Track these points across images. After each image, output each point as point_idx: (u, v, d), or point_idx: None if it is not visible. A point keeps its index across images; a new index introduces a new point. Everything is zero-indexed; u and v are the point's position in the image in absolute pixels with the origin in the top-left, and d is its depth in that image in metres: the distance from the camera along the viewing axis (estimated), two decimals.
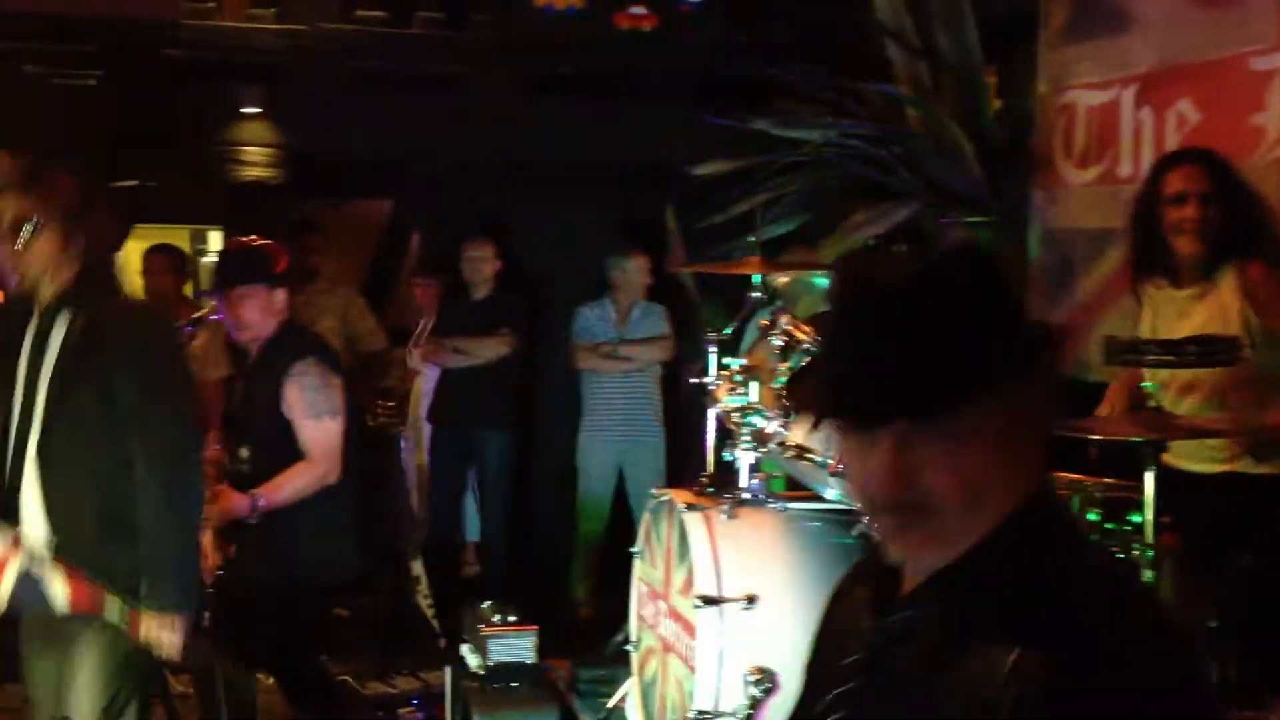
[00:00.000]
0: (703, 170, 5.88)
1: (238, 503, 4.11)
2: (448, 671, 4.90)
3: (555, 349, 6.98)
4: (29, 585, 3.07)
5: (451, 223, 7.20)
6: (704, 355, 4.60)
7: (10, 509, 3.16)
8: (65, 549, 3.16)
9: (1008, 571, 1.39)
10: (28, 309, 3.21)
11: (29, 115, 5.68)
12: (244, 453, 4.36)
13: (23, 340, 3.21)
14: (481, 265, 6.78)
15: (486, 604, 4.78)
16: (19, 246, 3.08)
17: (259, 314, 4.31)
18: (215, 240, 8.66)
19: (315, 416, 4.27)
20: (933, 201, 5.72)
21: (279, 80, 6.82)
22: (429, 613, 6.28)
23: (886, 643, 1.49)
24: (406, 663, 5.69)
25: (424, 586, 6.31)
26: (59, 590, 3.07)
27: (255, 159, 6.96)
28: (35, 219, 3.06)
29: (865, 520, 3.62)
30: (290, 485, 4.21)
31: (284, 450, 4.26)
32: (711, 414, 4.69)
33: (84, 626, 3.19)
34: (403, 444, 6.76)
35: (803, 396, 1.69)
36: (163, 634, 3.16)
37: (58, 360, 3.13)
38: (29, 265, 3.10)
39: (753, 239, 4.41)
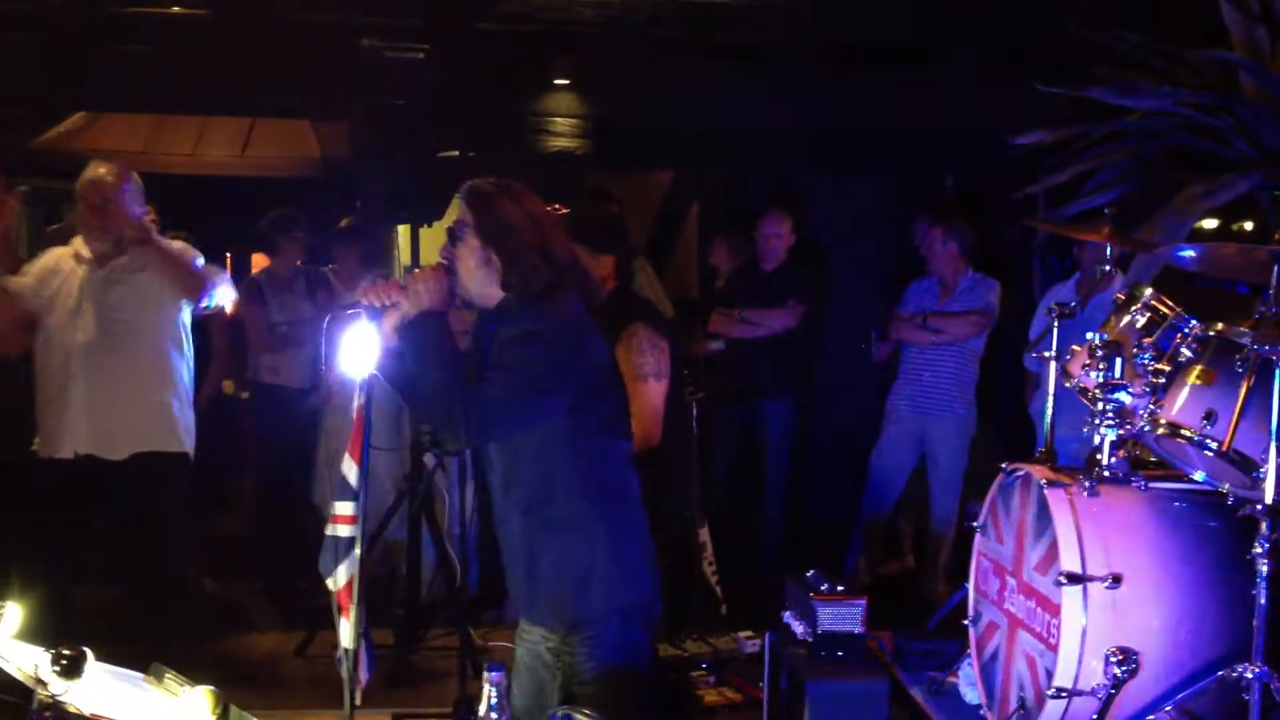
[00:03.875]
0: (1025, 139, 5.72)
1: None
2: (767, 637, 4.95)
3: (841, 319, 6.95)
4: None
5: (740, 192, 7.22)
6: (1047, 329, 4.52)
7: None
8: None
9: None
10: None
11: (365, 85, 5.95)
12: None
13: None
14: (775, 241, 6.79)
15: (811, 573, 4.80)
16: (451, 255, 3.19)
17: None
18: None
19: (640, 379, 4.32)
20: (1272, 173, 5.44)
21: (588, 52, 6.94)
22: (712, 579, 6.33)
23: None
24: (694, 627, 5.76)
25: (709, 553, 6.37)
26: None
27: (562, 129, 7.12)
28: (465, 229, 3.15)
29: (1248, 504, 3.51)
30: None
31: None
32: (1050, 388, 4.60)
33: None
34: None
35: None
36: None
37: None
38: (455, 270, 3.19)
39: (1107, 209, 4.29)
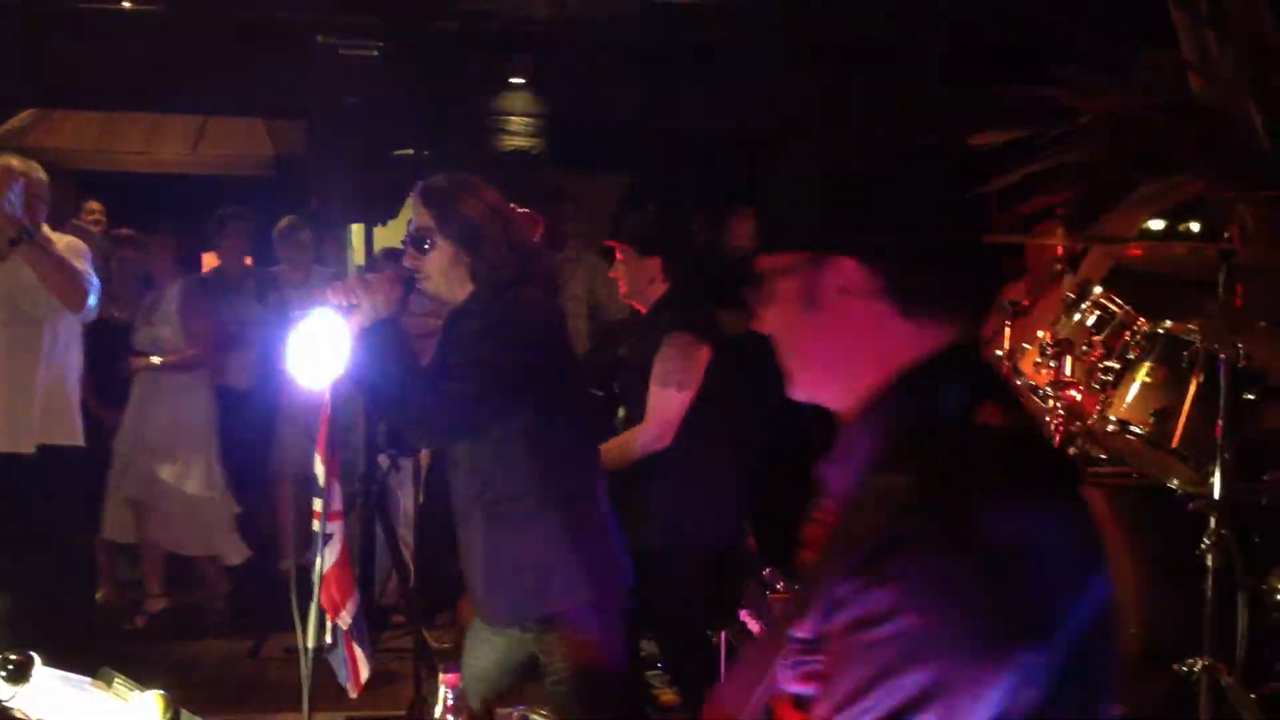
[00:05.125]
0: (979, 140, 5.74)
1: None
2: (723, 635, 4.95)
3: None
4: None
5: (695, 193, 7.20)
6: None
7: None
8: None
9: None
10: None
11: (318, 83, 5.91)
12: (621, 413, 4.44)
13: None
14: (738, 241, 6.75)
15: (768, 570, 4.80)
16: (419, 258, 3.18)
17: (633, 279, 4.33)
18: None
19: (663, 384, 4.24)
20: (1220, 175, 5.50)
21: (545, 52, 6.92)
22: None
23: None
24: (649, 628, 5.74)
25: None
26: None
27: (518, 129, 7.10)
28: (430, 234, 3.14)
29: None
30: (619, 447, 4.15)
31: None
32: None
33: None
34: None
35: None
36: None
37: None
38: (427, 274, 3.19)
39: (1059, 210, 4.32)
